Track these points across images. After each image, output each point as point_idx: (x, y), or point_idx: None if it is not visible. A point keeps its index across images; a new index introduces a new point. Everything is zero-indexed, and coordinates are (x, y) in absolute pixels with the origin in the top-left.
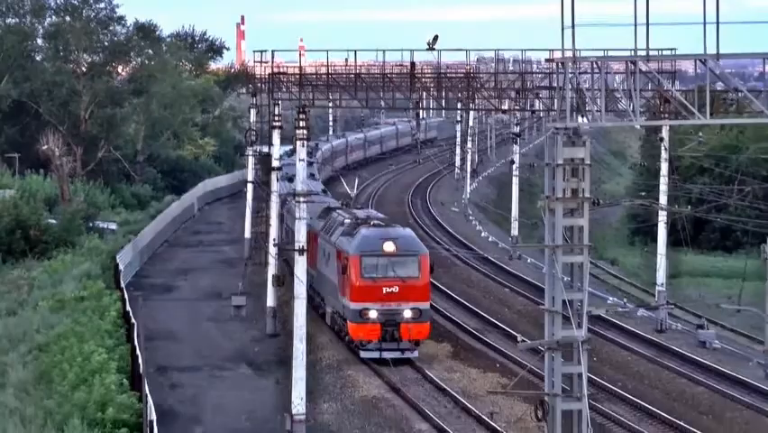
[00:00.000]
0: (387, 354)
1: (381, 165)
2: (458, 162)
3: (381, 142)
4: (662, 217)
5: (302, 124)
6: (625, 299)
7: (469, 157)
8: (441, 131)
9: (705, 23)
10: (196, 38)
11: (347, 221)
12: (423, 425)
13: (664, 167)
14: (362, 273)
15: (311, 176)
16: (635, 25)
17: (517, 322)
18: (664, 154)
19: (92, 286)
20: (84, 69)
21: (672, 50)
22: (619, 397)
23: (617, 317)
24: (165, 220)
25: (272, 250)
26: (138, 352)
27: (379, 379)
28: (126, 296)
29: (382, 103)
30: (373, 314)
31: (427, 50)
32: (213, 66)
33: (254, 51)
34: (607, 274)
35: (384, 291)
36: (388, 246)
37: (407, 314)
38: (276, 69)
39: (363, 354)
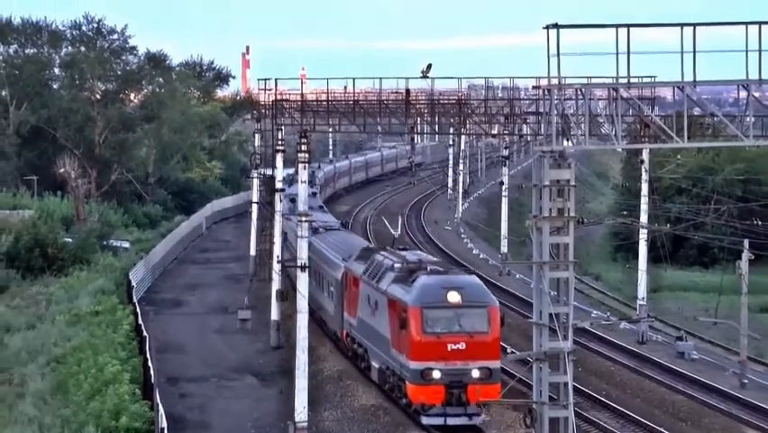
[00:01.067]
0: (452, 421)
1: (379, 186)
2: (450, 183)
3: (366, 169)
4: (643, 235)
5: (303, 148)
6: (608, 313)
7: (461, 178)
8: (427, 155)
9: (683, 52)
10: (204, 67)
11: (397, 265)
12: (417, 432)
13: (645, 187)
14: (424, 328)
15: (320, 208)
16: (617, 54)
17: (507, 335)
18: (645, 176)
19: (106, 301)
20: (98, 96)
21: (651, 77)
22: (603, 405)
23: (601, 329)
24: (175, 239)
25: (276, 266)
26: (149, 363)
27: (377, 389)
28: (138, 310)
29: (379, 128)
30: (437, 374)
31: (421, 77)
32: (219, 93)
33: (258, 79)
34: (591, 289)
35: (449, 348)
36: (453, 297)
37: (476, 374)
38: (279, 97)
39: (425, 421)
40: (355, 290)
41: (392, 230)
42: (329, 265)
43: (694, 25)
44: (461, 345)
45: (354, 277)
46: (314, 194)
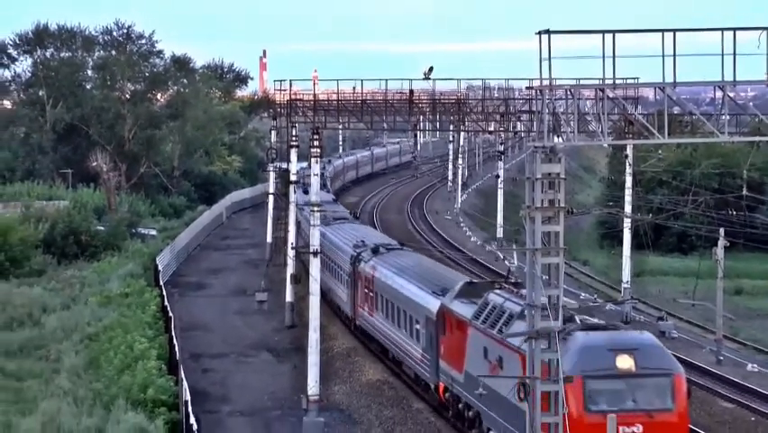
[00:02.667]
0: None
1: (385, 179)
2: (450, 176)
3: (357, 168)
4: (627, 224)
5: (316, 143)
6: (595, 295)
7: (459, 172)
8: (415, 153)
9: (663, 56)
10: (225, 69)
11: None
12: (420, 404)
13: (629, 180)
14: (587, 405)
15: (356, 218)
16: (603, 57)
17: None
18: (629, 169)
19: (135, 284)
20: (128, 96)
21: (635, 78)
22: None
23: (589, 310)
24: (198, 227)
25: (290, 252)
26: (174, 341)
27: (383, 364)
28: (164, 292)
29: (385, 125)
30: None
31: (424, 79)
32: (239, 93)
33: (275, 81)
34: (579, 273)
35: None
36: (624, 362)
37: None
38: (293, 96)
39: None
40: (460, 336)
41: (507, 261)
42: (412, 298)
43: (674, 31)
44: (638, 429)
45: (458, 320)
46: (334, 200)
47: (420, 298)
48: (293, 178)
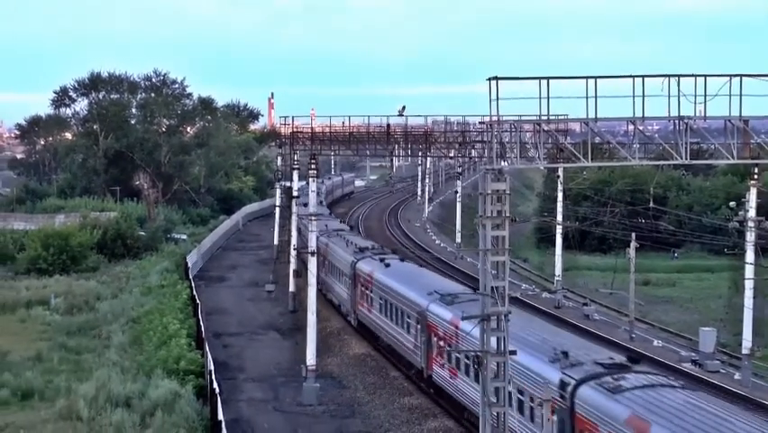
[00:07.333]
0: None
1: (368, 193)
2: (419, 192)
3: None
4: (559, 229)
5: (313, 167)
6: (533, 286)
7: (427, 189)
8: (355, 186)
9: (587, 97)
10: (240, 108)
11: None
12: (395, 373)
13: (560, 195)
14: None
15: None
16: (540, 98)
17: None
18: (560, 186)
19: (169, 278)
20: (164, 129)
21: (565, 115)
22: None
23: (529, 297)
24: (219, 233)
25: (293, 252)
26: (201, 323)
27: (366, 342)
28: (193, 284)
29: (367, 152)
30: None
31: (398, 115)
32: (252, 127)
33: (280, 117)
34: (521, 269)
35: None
36: None
37: None
38: (295, 129)
39: None
40: None
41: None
42: None
43: (596, 78)
44: None
45: None
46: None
47: None
48: (295, 193)
